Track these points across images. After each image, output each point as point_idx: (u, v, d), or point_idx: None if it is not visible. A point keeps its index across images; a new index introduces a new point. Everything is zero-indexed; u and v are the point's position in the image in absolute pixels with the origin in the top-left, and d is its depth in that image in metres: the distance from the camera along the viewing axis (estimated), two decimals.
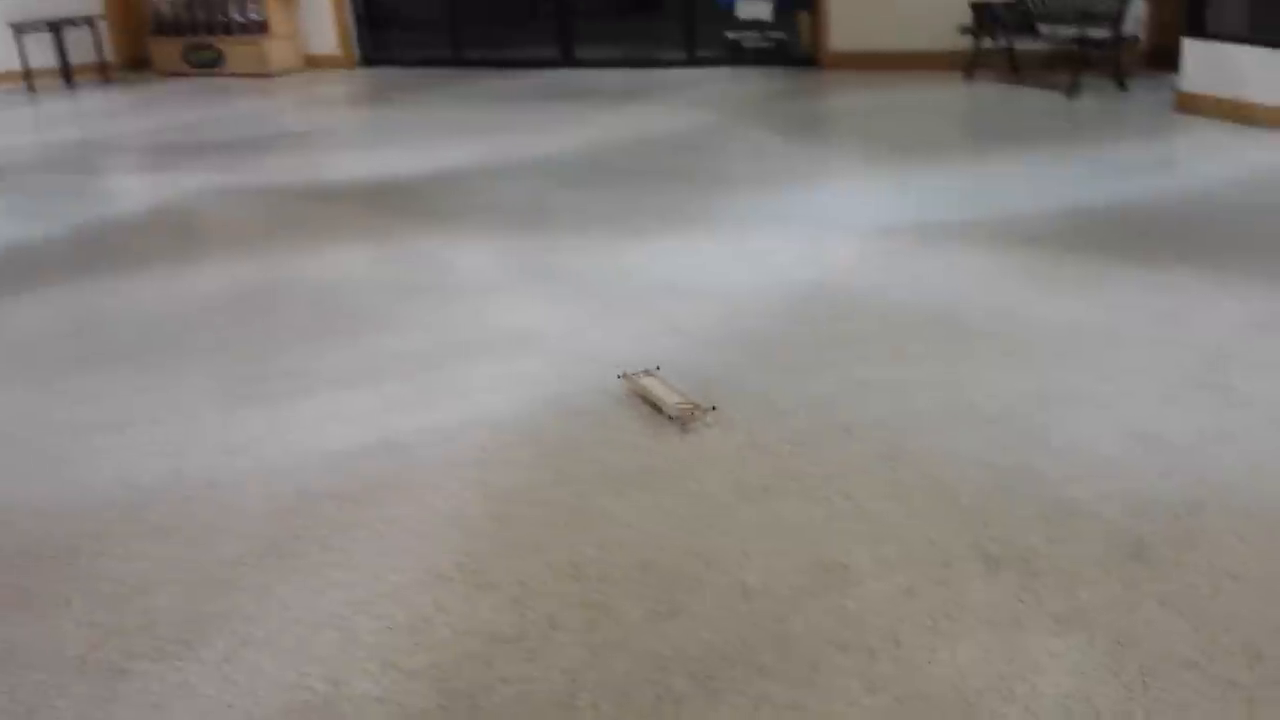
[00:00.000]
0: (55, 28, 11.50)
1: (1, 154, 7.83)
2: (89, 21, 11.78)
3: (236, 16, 11.59)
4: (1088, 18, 7.97)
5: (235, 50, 11.66)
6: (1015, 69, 8.90)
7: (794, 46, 10.05)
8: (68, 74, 11.68)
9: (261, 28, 11.51)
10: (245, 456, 3.03)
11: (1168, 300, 3.96)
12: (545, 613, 2.24)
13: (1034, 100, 8.16)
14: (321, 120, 9.11)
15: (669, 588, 2.31)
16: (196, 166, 7.23)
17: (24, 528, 2.73)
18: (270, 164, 7.20)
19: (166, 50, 12.06)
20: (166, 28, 12.03)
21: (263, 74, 11.52)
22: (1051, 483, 2.68)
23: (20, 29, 11.39)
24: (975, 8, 8.68)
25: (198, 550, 2.55)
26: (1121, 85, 8.24)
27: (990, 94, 8.49)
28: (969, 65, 8.83)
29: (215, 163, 7.31)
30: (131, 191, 6.92)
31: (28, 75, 11.55)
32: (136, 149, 8.36)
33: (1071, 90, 8.10)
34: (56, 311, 4.48)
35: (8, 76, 11.62)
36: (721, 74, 9.97)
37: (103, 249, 5.41)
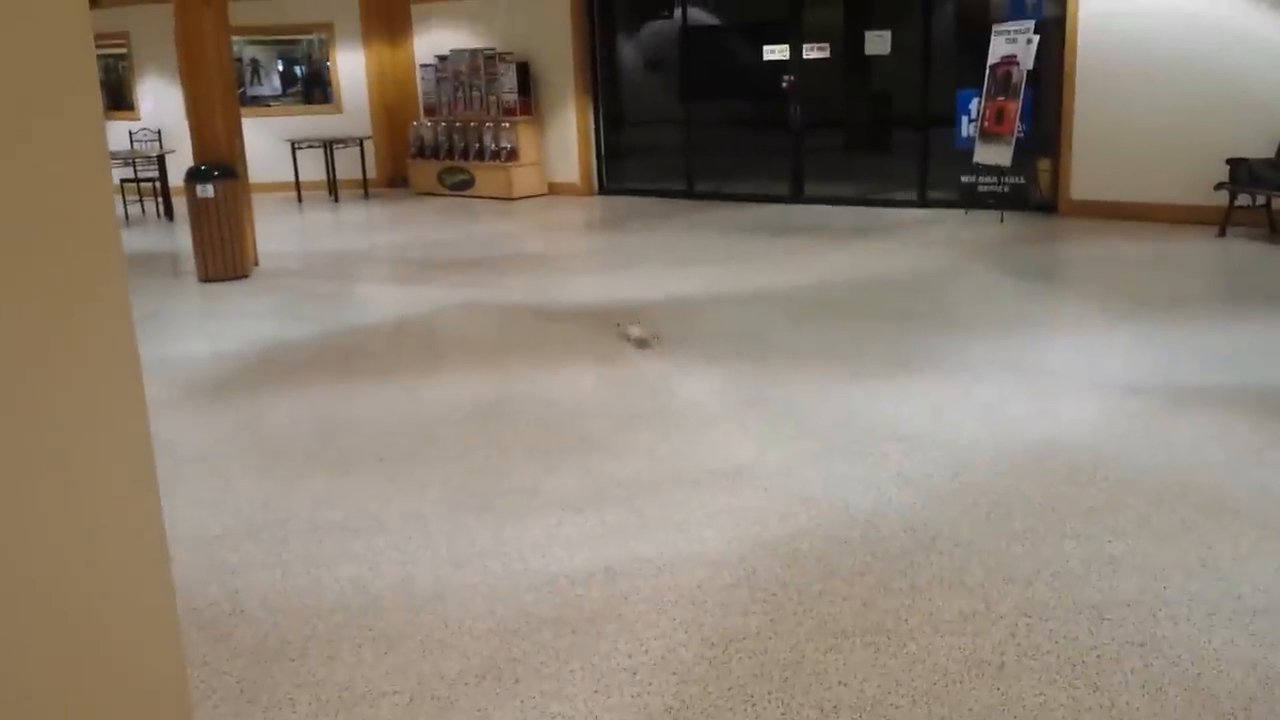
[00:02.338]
0: (328, 146, 12.67)
1: (270, 258, 8.58)
2: (359, 143, 12.91)
3: (490, 144, 12.41)
4: None
5: (485, 174, 12.47)
6: (1275, 228, 8.37)
7: (1032, 192, 9.82)
8: (334, 188, 12.79)
9: (511, 155, 12.28)
10: (472, 571, 3.11)
11: None
12: None
13: None
14: (560, 244, 9.55)
15: None
16: (442, 281, 7.69)
17: (258, 620, 2.87)
18: (510, 283, 7.57)
19: (423, 171, 13.02)
20: (426, 151, 13.02)
21: (507, 197, 12.24)
22: None
23: (297, 145, 12.62)
24: (1232, 162, 8.26)
25: (422, 664, 2.60)
26: None
27: (1247, 252, 7.99)
28: (1223, 221, 8.37)
29: (460, 278, 7.75)
30: (382, 301, 7.41)
31: (298, 187, 12.73)
32: (389, 261, 8.98)
33: None
34: (307, 410, 4.80)
35: (281, 187, 12.84)
36: (954, 216, 9.84)
37: (353, 354, 5.79)
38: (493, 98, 12.38)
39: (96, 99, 1.29)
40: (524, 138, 12.31)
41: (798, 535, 3.29)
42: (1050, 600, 2.85)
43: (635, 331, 5.47)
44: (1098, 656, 2.58)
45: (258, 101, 13.50)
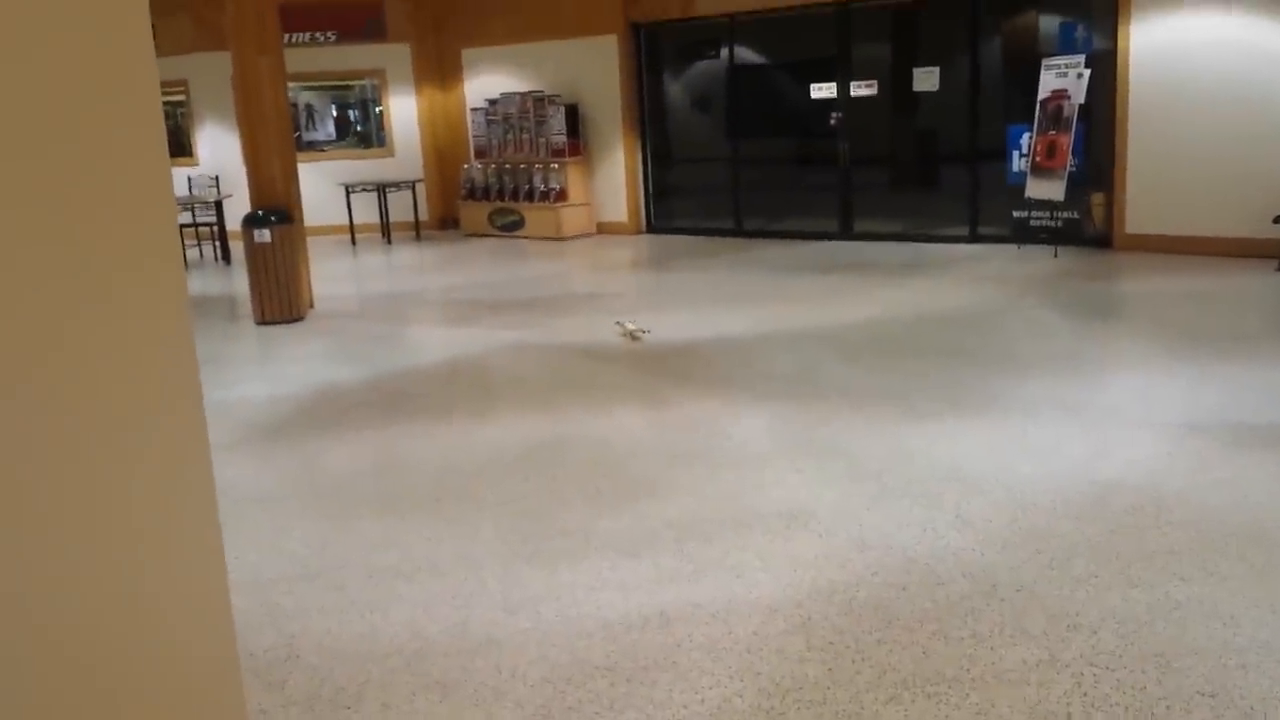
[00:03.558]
0: (381, 189, 12.88)
1: (325, 301, 8.70)
2: (411, 185, 13.10)
3: (539, 185, 12.54)
4: None
5: (535, 215, 12.59)
6: None
7: (1085, 226, 9.71)
8: (386, 230, 12.98)
9: (560, 195, 12.39)
10: (525, 616, 3.10)
11: None
12: None
13: None
14: (609, 284, 9.58)
15: None
16: (493, 322, 7.75)
17: (313, 666, 2.87)
18: (560, 323, 7.60)
19: (474, 212, 13.17)
20: (476, 192, 13.18)
21: (557, 237, 12.34)
22: None
23: (350, 189, 12.85)
24: None
25: (476, 712, 2.59)
26: None
27: None
28: None
29: (510, 319, 7.80)
30: (434, 342, 7.48)
31: (352, 229, 12.95)
32: (440, 302, 9.08)
33: None
34: (361, 452, 4.84)
35: (336, 229, 13.06)
36: (1005, 252, 9.75)
37: (406, 395, 5.84)
38: (542, 139, 12.52)
39: (164, 148, 1.32)
40: (573, 178, 12.42)
41: (854, 581, 3.24)
42: (1116, 648, 2.78)
43: (629, 326, 6.87)
44: (1167, 708, 2.50)
45: (313, 146, 13.77)
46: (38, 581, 1.15)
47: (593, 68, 12.38)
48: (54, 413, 1.16)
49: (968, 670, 2.70)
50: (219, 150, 13.42)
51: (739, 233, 12.05)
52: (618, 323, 6.87)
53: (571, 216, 12.46)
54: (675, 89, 14.56)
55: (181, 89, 13.47)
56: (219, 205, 11.82)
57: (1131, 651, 2.76)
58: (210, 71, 12.89)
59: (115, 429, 1.24)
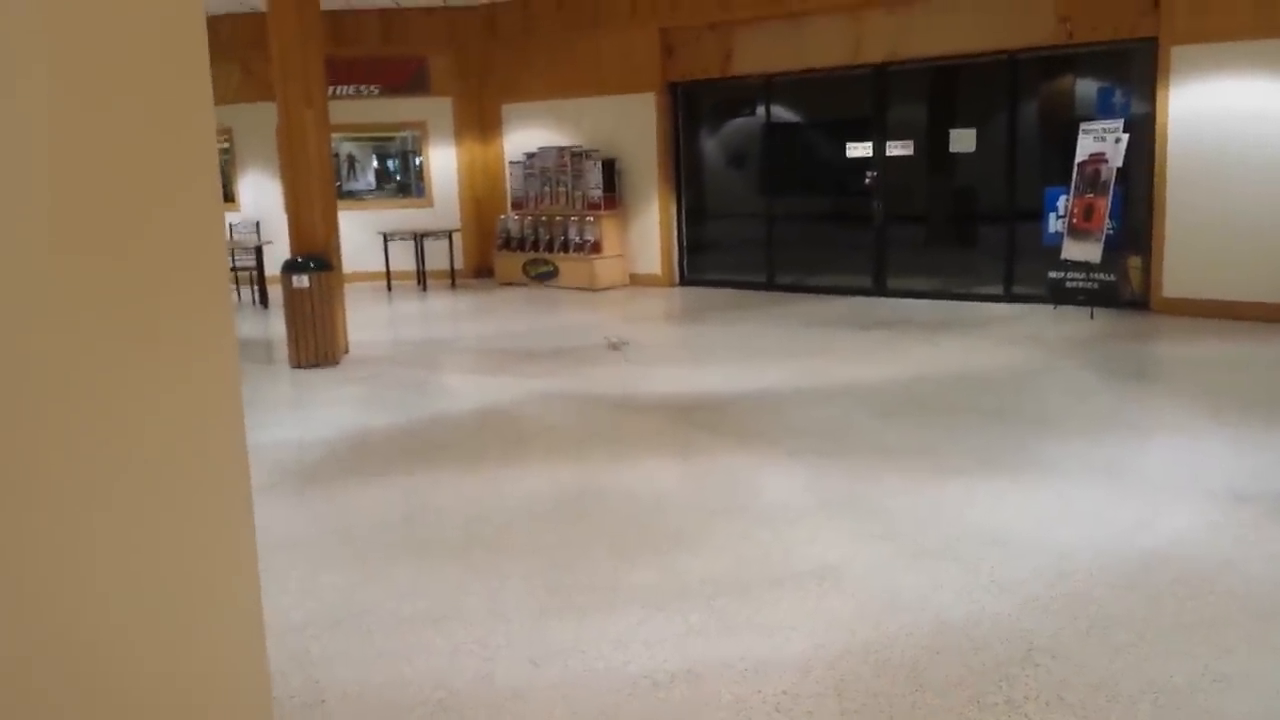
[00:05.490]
0: (418, 238, 13.03)
1: (360, 346, 8.76)
2: (448, 235, 13.25)
3: (574, 236, 12.64)
4: None
5: (569, 265, 12.67)
6: None
7: (1123, 289, 9.64)
8: (422, 278, 13.11)
9: (595, 247, 12.48)
10: (552, 669, 3.06)
11: None
12: None
13: None
14: (641, 335, 9.59)
15: None
16: (525, 371, 7.77)
17: (339, 715, 2.85)
18: (591, 373, 7.61)
19: (508, 262, 13.29)
20: (512, 243, 13.31)
21: (590, 288, 12.40)
22: None
23: (389, 237, 13.02)
24: None
25: None
26: None
27: None
28: None
29: (542, 369, 7.82)
30: (466, 390, 7.50)
31: (388, 276, 13.09)
32: (473, 350, 9.12)
33: None
34: (391, 498, 4.84)
35: (373, 276, 13.22)
36: (1041, 312, 9.69)
37: (436, 443, 5.84)
38: (579, 193, 12.64)
39: (218, 195, 1.35)
40: (607, 230, 12.52)
41: (888, 642, 3.19)
42: None
43: (613, 339, 8.27)
44: None
45: (353, 195, 13.97)
46: (80, 613, 1.15)
47: (630, 124, 12.53)
48: (107, 450, 1.17)
49: None
50: (261, 197, 13.65)
51: (772, 287, 12.06)
52: (605, 337, 8.23)
53: (605, 268, 12.54)
54: (711, 145, 14.68)
55: (226, 137, 13.75)
56: (259, 251, 12.00)
57: None
58: (254, 121, 13.16)
59: (164, 471, 1.25)
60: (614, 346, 8.32)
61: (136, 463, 1.21)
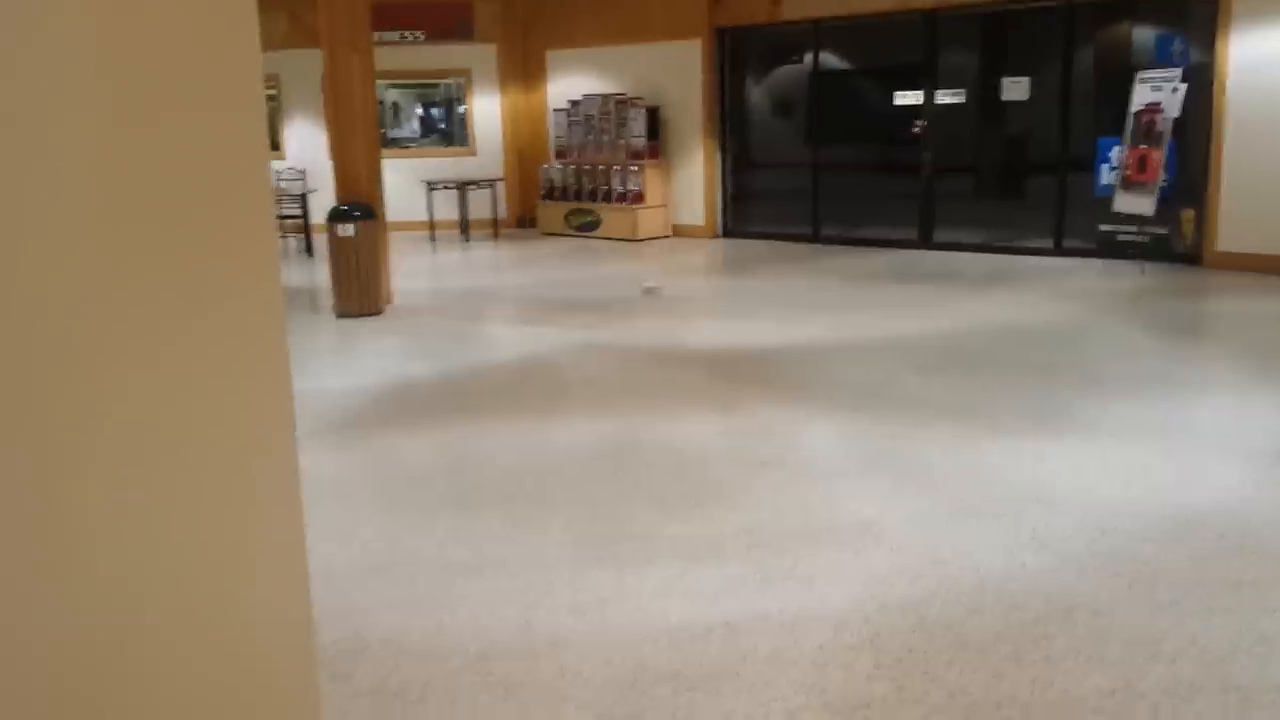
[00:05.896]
0: (462, 187, 13.04)
1: (404, 295, 8.82)
2: (491, 184, 13.25)
3: (617, 186, 12.58)
4: None
5: (611, 216, 12.64)
6: None
7: (1174, 243, 9.44)
8: (465, 228, 13.14)
9: (638, 198, 12.41)
10: (590, 619, 3.10)
11: None
12: None
13: None
14: (684, 287, 9.56)
15: None
16: (567, 322, 7.78)
17: (380, 660, 2.91)
18: (633, 325, 7.61)
19: (551, 212, 13.27)
20: (554, 193, 13.28)
21: (632, 239, 12.37)
22: None
23: (432, 186, 13.04)
24: None
25: (539, 713, 2.60)
26: None
27: None
28: None
29: (583, 319, 7.83)
30: (508, 340, 7.54)
31: (431, 226, 13.14)
32: (515, 300, 9.15)
33: None
34: (434, 448, 4.89)
35: (416, 226, 13.27)
36: (1090, 265, 9.52)
37: (479, 394, 5.89)
38: (622, 141, 12.56)
39: (265, 144, 1.35)
40: (651, 181, 12.44)
41: (926, 598, 3.19)
42: (1196, 680, 2.69)
43: (649, 284, 8.68)
44: None
45: (397, 143, 13.99)
46: (129, 562, 1.17)
47: (675, 71, 12.39)
48: (154, 399, 1.19)
49: (1040, 696, 2.64)
50: (306, 145, 13.70)
51: (816, 239, 11.96)
52: (642, 284, 8.74)
53: (648, 218, 12.48)
54: (757, 94, 14.51)
55: (273, 84, 13.79)
56: (304, 199, 12.07)
57: (1212, 683, 2.67)
58: (300, 68, 13.17)
59: (210, 418, 1.27)
60: (649, 291, 8.58)
61: (182, 410, 1.23)
